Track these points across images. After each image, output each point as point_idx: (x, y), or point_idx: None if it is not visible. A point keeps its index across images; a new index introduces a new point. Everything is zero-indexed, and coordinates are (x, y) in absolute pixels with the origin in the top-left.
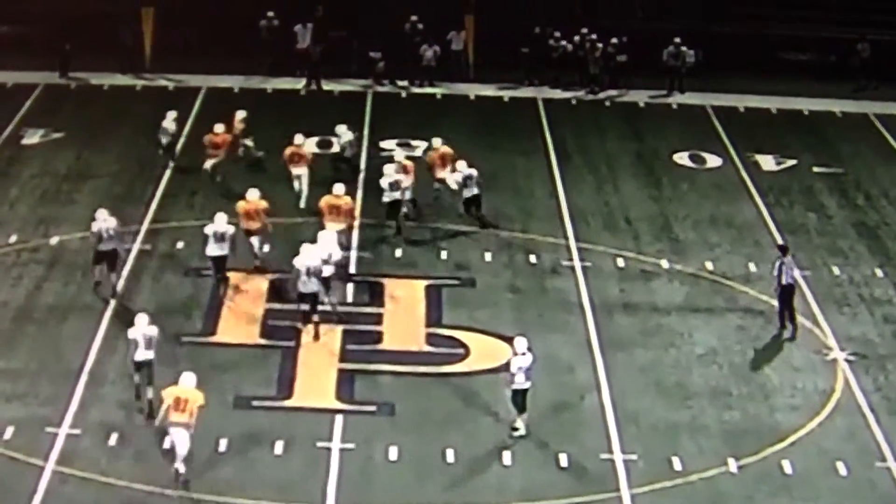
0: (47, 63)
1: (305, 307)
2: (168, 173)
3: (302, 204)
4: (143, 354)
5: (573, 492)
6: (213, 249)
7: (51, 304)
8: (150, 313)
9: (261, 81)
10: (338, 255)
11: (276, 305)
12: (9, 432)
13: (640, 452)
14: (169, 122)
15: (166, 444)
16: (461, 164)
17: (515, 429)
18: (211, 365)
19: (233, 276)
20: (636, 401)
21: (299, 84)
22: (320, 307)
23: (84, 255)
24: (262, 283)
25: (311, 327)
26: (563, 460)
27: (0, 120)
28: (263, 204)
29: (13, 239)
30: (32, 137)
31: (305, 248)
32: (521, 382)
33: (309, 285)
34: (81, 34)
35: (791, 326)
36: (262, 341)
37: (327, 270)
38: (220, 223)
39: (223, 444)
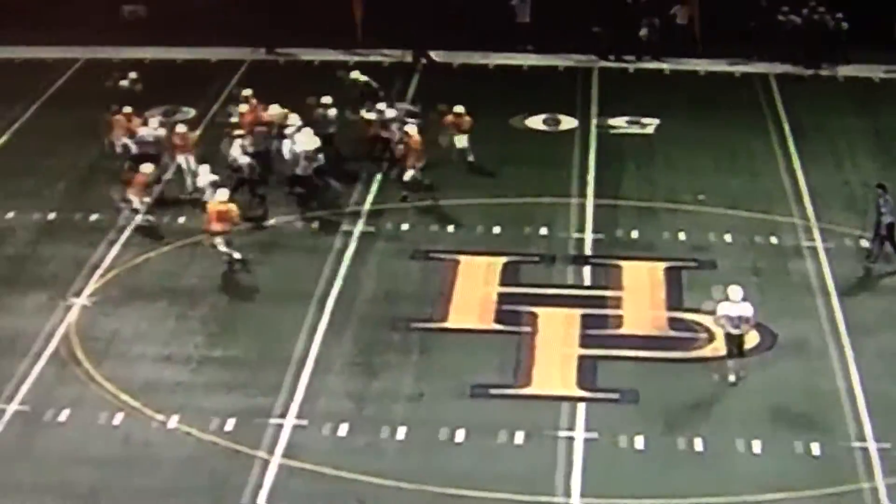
0: (251, 39)
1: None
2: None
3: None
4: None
5: (827, 482)
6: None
7: (270, 289)
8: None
9: (482, 57)
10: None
11: (511, 289)
12: (230, 424)
13: (895, 441)
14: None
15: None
16: (203, 169)
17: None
18: (443, 352)
19: (464, 260)
20: (887, 386)
21: (524, 60)
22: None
23: (302, 238)
24: (495, 266)
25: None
26: (815, 449)
27: (205, 98)
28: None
29: None
30: None
31: (300, 137)
32: (730, 328)
33: (307, 170)
34: (289, 9)
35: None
36: (497, 326)
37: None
38: None
39: (460, 435)
